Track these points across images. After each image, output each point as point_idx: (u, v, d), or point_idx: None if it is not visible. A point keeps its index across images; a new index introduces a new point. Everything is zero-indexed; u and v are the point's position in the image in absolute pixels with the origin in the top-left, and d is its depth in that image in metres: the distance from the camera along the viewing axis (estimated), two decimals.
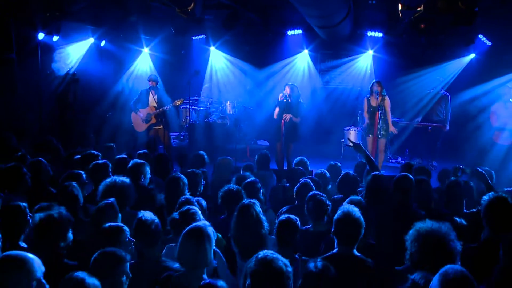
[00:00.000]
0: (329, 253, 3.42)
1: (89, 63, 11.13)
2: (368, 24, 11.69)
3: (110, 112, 11.20)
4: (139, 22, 10.61)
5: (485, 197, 3.74)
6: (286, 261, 2.52)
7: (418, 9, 6.90)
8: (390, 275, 3.41)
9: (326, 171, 6.15)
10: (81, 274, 2.68)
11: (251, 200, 3.85)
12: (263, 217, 3.74)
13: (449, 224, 3.04)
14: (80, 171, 5.10)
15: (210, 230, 3.15)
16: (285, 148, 8.85)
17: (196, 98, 12.72)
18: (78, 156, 6.25)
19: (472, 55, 11.76)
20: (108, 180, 4.47)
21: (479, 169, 4.87)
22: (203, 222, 3.26)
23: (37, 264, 2.62)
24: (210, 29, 12.35)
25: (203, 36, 13.22)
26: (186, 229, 3.13)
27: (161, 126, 9.68)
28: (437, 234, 2.91)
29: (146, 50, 12.99)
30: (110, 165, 5.53)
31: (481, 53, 11.59)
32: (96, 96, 11.17)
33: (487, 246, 3.58)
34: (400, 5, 6.97)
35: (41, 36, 9.42)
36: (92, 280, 2.66)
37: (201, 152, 6.91)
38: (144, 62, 13.05)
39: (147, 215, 3.59)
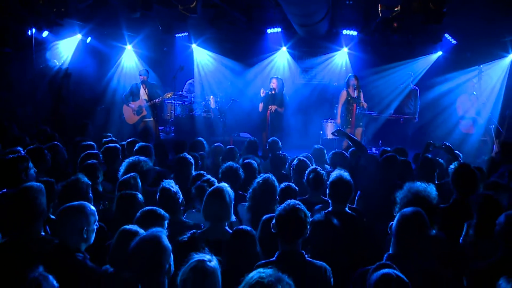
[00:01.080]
0: (325, 211, 4.07)
1: (78, 59, 11.49)
2: (343, 23, 12.40)
3: (102, 106, 11.60)
4: (123, 18, 11.01)
5: (452, 166, 4.50)
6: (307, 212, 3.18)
7: (396, 9, 7.63)
8: (374, 230, 4.12)
9: (311, 155, 6.79)
10: (132, 227, 3.26)
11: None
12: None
13: (433, 186, 3.79)
14: (97, 151, 5.60)
15: (229, 190, 3.76)
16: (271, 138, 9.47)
17: (180, 93, 13.22)
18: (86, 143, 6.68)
19: (439, 53, 12.60)
20: (132, 158, 5.01)
21: (447, 143, 5.66)
22: (223, 184, 3.87)
23: (93, 210, 3.21)
24: (192, 27, 12.84)
25: (186, 33, 13.70)
26: (210, 189, 3.74)
27: (152, 119, 10.17)
28: (422, 191, 3.64)
29: (129, 47, 13.35)
30: (120, 148, 6.06)
31: (447, 50, 12.43)
32: (86, 90, 11.54)
33: (456, 206, 4.32)
34: (380, 5, 7.68)
35: (31, 31, 9.78)
36: (142, 230, 3.24)
37: (200, 138, 7.48)
38: (129, 59, 13.42)
39: (169, 183, 4.16)
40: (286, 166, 6.51)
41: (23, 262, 3.03)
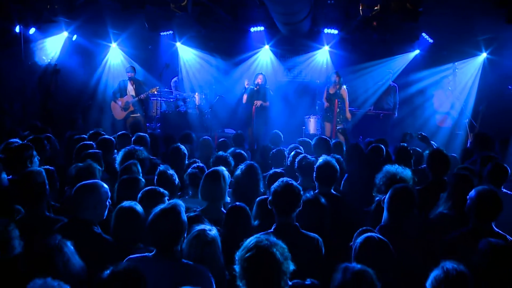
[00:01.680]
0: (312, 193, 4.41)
1: (65, 56, 11.64)
2: (324, 22, 12.76)
3: (90, 102, 11.78)
4: (108, 16, 11.20)
5: (427, 151, 4.91)
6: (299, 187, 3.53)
7: (375, 8, 8.05)
8: (355, 209, 4.50)
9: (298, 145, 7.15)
10: (131, 203, 3.55)
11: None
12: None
13: (409, 170, 4.20)
14: (92, 143, 5.85)
15: (225, 173, 4.08)
16: (256, 132, 9.82)
17: (166, 89, 13.45)
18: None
19: (417, 51, 13.06)
20: (128, 147, 5.28)
21: (423, 133, 6.09)
22: (220, 167, 4.19)
23: (106, 188, 3.49)
24: (177, 26, 13.07)
25: (171, 32, 13.92)
26: (207, 172, 4.05)
27: (139, 114, 10.40)
28: (400, 173, 4.04)
29: (114, 45, 13.50)
30: (114, 141, 6.32)
31: (424, 49, 12.88)
32: (74, 87, 11.70)
33: (431, 187, 4.73)
34: (361, 4, 8.09)
35: (18, 28, 9.93)
36: (140, 207, 3.53)
37: (189, 131, 7.76)
38: (115, 56, 13.60)
39: (166, 167, 4.46)
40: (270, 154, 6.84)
41: (42, 232, 3.30)
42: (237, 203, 3.68)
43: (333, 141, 7.12)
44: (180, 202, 3.06)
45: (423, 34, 12.04)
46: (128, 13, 11.38)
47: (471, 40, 11.52)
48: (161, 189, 3.83)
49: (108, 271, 2.44)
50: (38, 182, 3.73)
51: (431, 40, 12.34)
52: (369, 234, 2.84)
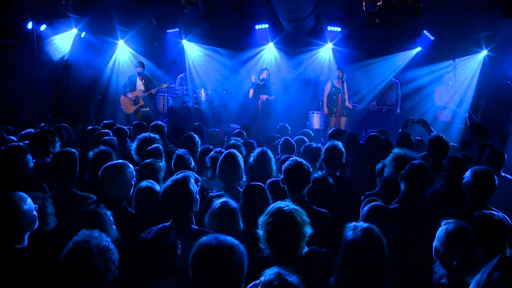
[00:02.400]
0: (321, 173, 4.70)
1: (75, 52, 11.93)
2: (328, 19, 13.04)
3: (100, 96, 12.07)
4: (116, 13, 11.48)
5: (428, 137, 5.20)
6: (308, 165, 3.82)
7: (378, 3, 8.33)
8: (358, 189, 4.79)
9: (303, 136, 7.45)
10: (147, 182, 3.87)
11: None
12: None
13: (417, 153, 4.49)
14: (108, 131, 6.15)
15: (240, 156, 4.36)
16: (262, 125, 10.12)
17: (173, 85, 13.73)
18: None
19: (419, 48, 13.31)
20: (143, 134, 5.58)
21: (424, 119, 6.38)
22: (235, 151, 4.48)
23: (132, 168, 3.77)
24: (183, 23, 13.36)
25: (177, 29, 14.21)
26: (223, 154, 4.34)
27: (148, 108, 10.70)
28: (410, 154, 4.33)
29: (121, 42, 13.79)
30: (128, 130, 6.62)
31: (426, 46, 13.14)
32: (84, 82, 12.00)
33: (432, 169, 5.00)
34: (364, 0, 8.37)
35: (30, 25, 10.23)
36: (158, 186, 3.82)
37: (200, 123, 8.06)
38: (123, 53, 13.90)
39: (183, 151, 4.75)
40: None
41: (72, 209, 3.57)
42: (255, 182, 3.97)
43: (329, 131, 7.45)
44: (188, 173, 3.34)
45: (425, 31, 12.30)
46: (135, 11, 11.70)
47: (471, 37, 11.77)
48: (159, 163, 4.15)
49: (144, 236, 2.71)
50: (71, 161, 4.01)
51: (432, 38, 12.55)
52: (374, 202, 3.13)
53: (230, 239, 2.37)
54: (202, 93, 13.42)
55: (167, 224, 3.24)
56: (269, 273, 2.13)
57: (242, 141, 6.33)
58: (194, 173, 4.71)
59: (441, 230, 2.75)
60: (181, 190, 3.21)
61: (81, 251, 2.29)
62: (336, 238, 2.78)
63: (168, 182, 3.29)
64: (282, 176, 3.81)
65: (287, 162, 3.79)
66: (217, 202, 3.32)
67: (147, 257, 2.69)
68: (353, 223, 2.61)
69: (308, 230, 2.81)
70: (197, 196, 3.31)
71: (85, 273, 2.26)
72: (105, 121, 7.47)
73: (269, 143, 7.51)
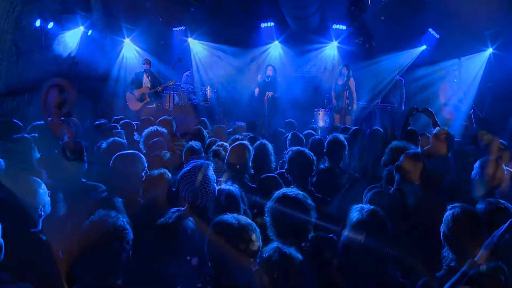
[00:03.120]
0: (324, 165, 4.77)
1: (82, 50, 12.05)
2: (333, 17, 13.11)
3: (107, 93, 12.18)
4: (121, 11, 11.59)
5: (434, 130, 5.25)
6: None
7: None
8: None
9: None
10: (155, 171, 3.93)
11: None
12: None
13: (414, 145, 4.54)
14: (116, 125, 6.25)
15: (250, 146, 4.44)
16: (268, 122, 10.19)
17: (179, 83, 13.82)
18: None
19: (424, 47, 13.36)
20: (151, 128, 5.66)
21: (429, 108, 6.40)
22: (245, 141, 4.55)
23: (143, 159, 3.85)
24: (188, 21, 13.47)
25: (183, 27, 14.33)
26: (233, 145, 4.41)
27: (154, 105, 10.79)
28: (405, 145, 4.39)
29: (127, 41, 13.92)
30: (135, 125, 6.71)
31: (431, 44, 13.19)
32: (92, 79, 12.10)
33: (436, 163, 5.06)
34: None
35: (38, 22, 10.37)
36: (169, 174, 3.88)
37: (203, 118, 8.14)
38: (130, 51, 14.02)
39: (194, 143, 4.83)
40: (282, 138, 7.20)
41: (81, 197, 3.64)
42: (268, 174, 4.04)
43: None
44: (206, 162, 3.39)
45: (430, 29, 12.34)
46: (141, 9, 11.82)
47: (477, 35, 11.77)
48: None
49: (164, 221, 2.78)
50: (78, 150, 4.08)
51: (437, 36, 12.61)
52: (376, 189, 3.21)
53: (246, 218, 2.43)
54: (208, 90, 13.51)
55: (182, 209, 3.26)
56: (268, 249, 2.21)
57: (246, 135, 6.42)
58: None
59: (447, 215, 2.81)
60: (200, 176, 3.23)
61: (98, 229, 2.36)
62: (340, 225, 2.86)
63: (188, 166, 3.32)
64: (286, 166, 3.88)
65: (290, 152, 3.86)
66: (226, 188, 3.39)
67: (167, 241, 2.74)
68: (360, 205, 2.68)
69: (314, 215, 2.87)
70: (214, 185, 3.32)
71: (101, 250, 2.32)
72: (115, 117, 7.58)
73: (276, 137, 7.59)
